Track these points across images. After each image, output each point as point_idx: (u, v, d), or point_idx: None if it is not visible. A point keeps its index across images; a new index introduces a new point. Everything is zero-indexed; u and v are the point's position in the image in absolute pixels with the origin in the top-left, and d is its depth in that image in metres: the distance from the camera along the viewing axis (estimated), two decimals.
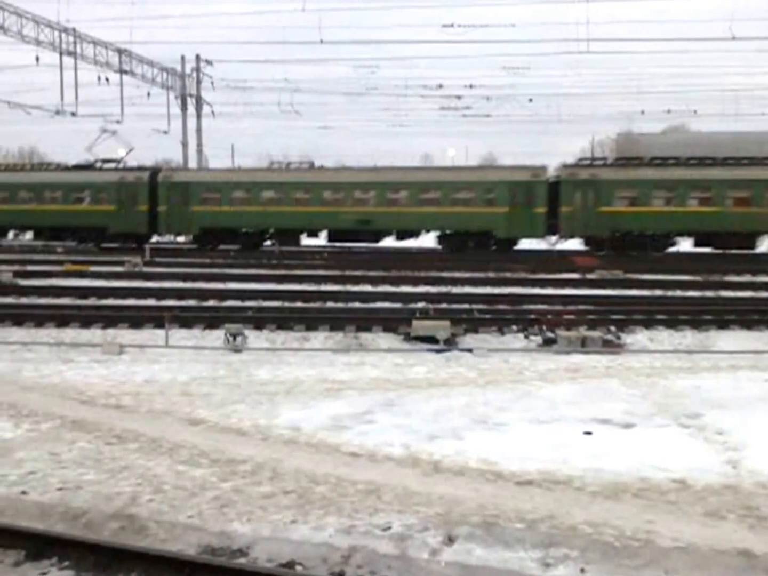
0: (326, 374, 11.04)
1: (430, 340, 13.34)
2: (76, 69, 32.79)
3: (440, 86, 38.52)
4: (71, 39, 32.31)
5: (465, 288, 20.68)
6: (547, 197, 31.01)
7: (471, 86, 38.29)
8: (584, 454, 7.44)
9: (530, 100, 40.55)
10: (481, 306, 16.70)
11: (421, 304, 17.10)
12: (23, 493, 6.39)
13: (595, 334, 13.43)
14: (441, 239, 33.14)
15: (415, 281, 21.86)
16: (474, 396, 9.74)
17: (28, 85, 35.83)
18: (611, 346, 13.27)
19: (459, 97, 38.78)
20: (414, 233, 33.23)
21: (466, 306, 16.86)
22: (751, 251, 30.08)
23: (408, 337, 13.72)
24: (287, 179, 33.64)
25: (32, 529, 5.50)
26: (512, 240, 32.09)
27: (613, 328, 14.19)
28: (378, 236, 33.29)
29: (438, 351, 12.84)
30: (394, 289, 20.32)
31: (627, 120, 45.66)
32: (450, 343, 13.27)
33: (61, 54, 31.90)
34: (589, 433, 8.23)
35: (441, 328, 13.48)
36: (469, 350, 12.90)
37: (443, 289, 20.38)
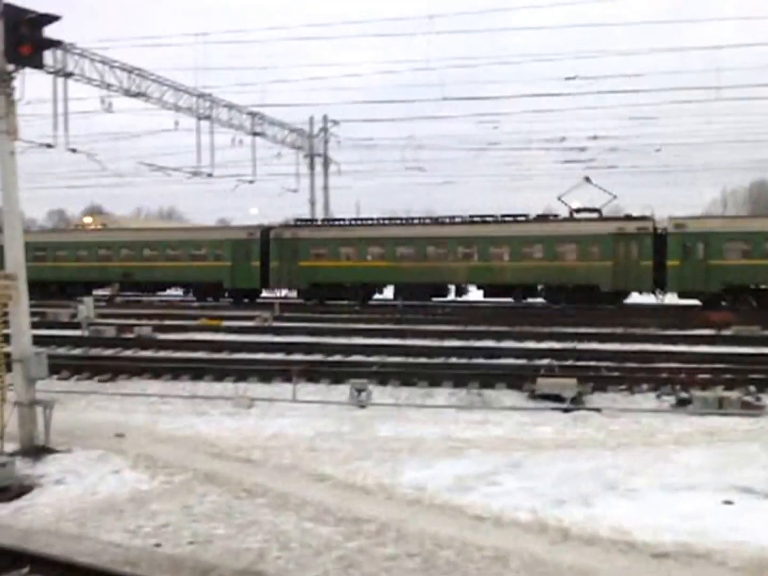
0: (450, 432, 10.91)
1: (556, 398, 12.96)
2: (212, 132, 34.88)
3: (563, 139, 38.24)
4: (207, 104, 34.44)
5: (592, 344, 20.08)
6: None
7: (595, 137, 37.77)
8: (724, 525, 6.94)
9: (658, 149, 39.52)
10: (609, 363, 16.12)
11: (546, 361, 16.71)
12: (157, 545, 6.62)
13: (733, 394, 12.64)
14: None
15: (540, 337, 21.44)
16: (603, 459, 9.33)
17: (168, 149, 38.38)
18: (751, 408, 12.42)
19: (583, 149, 38.30)
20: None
21: (593, 363, 16.32)
22: None
23: (533, 395, 13.40)
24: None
25: None
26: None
27: (752, 389, 13.32)
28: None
29: (564, 410, 12.44)
30: (518, 345, 20.01)
31: (760, 169, 43.51)
32: (577, 402, 12.84)
33: (198, 118, 34.05)
34: (729, 502, 7.68)
35: (567, 386, 13.08)
36: (597, 410, 12.43)
37: (569, 344, 19.86)
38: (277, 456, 9.59)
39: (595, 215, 33.57)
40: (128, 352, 19.53)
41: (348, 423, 11.61)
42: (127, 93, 29.84)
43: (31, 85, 10.58)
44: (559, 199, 34.76)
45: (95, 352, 19.71)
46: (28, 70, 10.33)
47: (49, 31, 10.29)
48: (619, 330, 22.86)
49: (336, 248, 34.57)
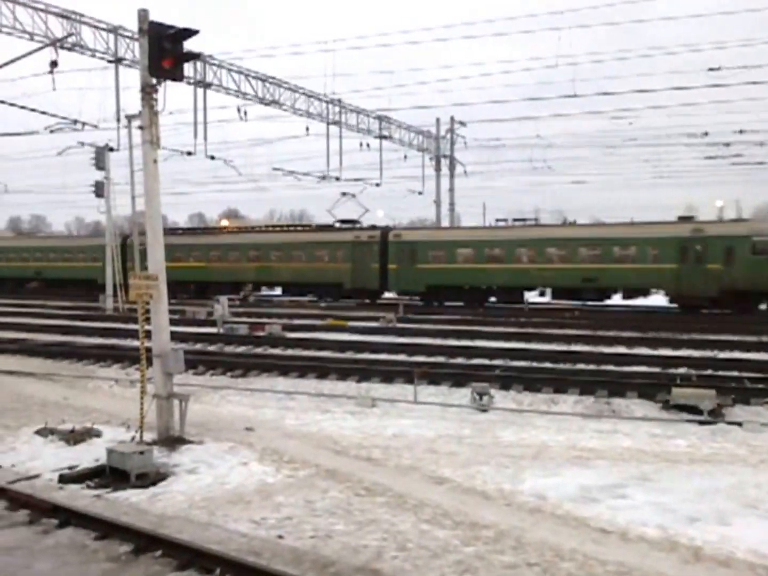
0: (575, 440, 10.60)
1: (692, 410, 12.32)
2: (341, 137, 35.65)
3: (706, 134, 36.28)
4: (337, 110, 35.23)
5: (734, 353, 18.97)
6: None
7: (741, 132, 35.63)
8: None
9: None
10: (752, 374, 15.15)
11: (682, 370, 15.93)
12: (280, 537, 6.81)
13: None
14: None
15: (676, 344, 20.47)
16: (743, 476, 8.77)
17: (299, 154, 39.53)
18: None
19: (727, 145, 36.22)
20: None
21: (734, 373, 15.40)
22: None
23: (666, 406, 12.80)
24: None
25: (287, 573, 5.81)
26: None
27: None
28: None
29: (701, 423, 11.79)
30: (652, 352, 19.19)
31: None
32: (715, 415, 12.14)
33: (328, 124, 34.88)
34: None
35: (705, 398, 12.39)
36: (739, 424, 11.70)
37: (708, 353, 18.85)
38: (397, 456, 9.65)
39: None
40: (259, 350, 20.27)
41: (469, 426, 11.52)
42: (262, 101, 30.97)
43: (172, 96, 11.13)
44: (328, 211, 39.63)
45: (229, 349, 20.59)
46: (169, 82, 10.89)
47: (190, 45, 10.86)
48: (765, 338, 21.46)
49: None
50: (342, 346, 20.09)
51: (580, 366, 16.78)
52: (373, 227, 39.30)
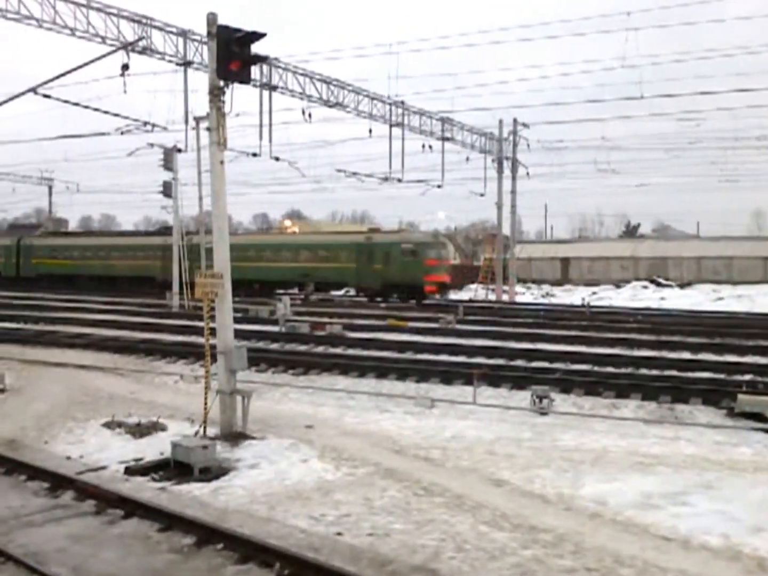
0: (636, 446, 10.44)
1: (758, 417, 11.98)
2: (403, 139, 35.72)
3: None
4: (400, 111, 35.31)
5: None
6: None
7: None
8: None
9: None
10: None
11: (747, 377, 15.48)
12: (338, 534, 6.92)
13: None
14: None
15: (742, 350, 19.90)
16: None
17: (361, 155, 39.79)
18: None
19: None
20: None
21: None
22: None
23: (732, 413, 12.46)
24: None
25: (345, 570, 5.90)
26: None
27: None
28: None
29: (767, 431, 11.46)
30: (717, 358, 18.68)
31: None
32: None
33: (390, 125, 35.00)
34: None
35: None
36: None
37: None
38: (455, 457, 9.67)
39: None
40: (320, 349, 20.50)
41: (528, 430, 11.46)
42: (326, 103, 31.28)
43: (238, 98, 11.37)
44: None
45: (290, 347, 20.89)
46: (236, 85, 11.14)
47: (257, 48, 11.08)
48: None
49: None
50: (402, 346, 20.17)
51: (643, 371, 16.47)
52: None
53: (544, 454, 9.94)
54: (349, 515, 7.42)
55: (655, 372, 16.25)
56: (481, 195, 42.83)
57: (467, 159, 40.52)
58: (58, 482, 8.36)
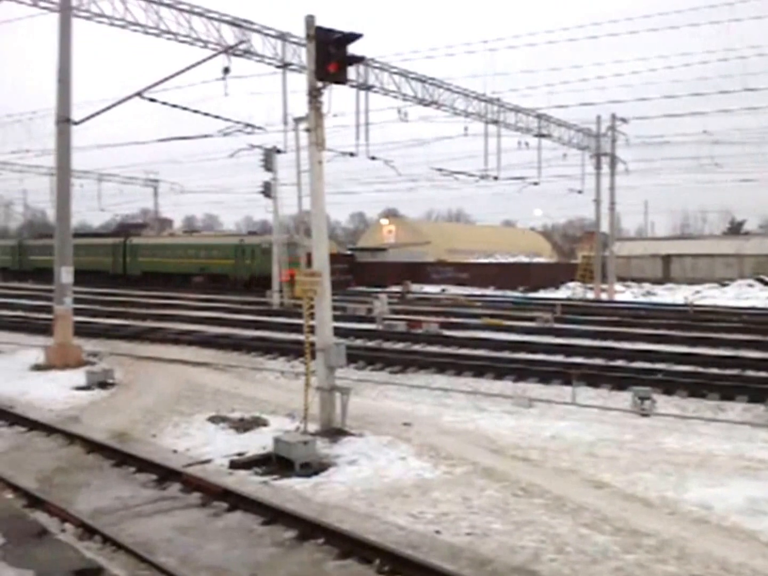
0: (743, 450, 10.01)
1: None
2: (499, 136, 35.38)
3: None
4: (495, 108, 34.98)
5: None
6: None
7: None
8: None
9: None
10: None
11: None
12: (437, 532, 6.96)
13: None
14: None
15: None
16: None
17: (457, 154, 39.60)
18: None
19: None
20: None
21: None
22: None
23: None
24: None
25: (444, 568, 5.93)
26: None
27: None
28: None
29: None
30: None
31: None
32: None
33: (486, 123, 34.73)
34: None
35: None
36: None
37: None
38: (554, 458, 9.55)
39: None
40: (416, 347, 20.60)
41: (629, 431, 11.16)
42: (421, 102, 31.34)
43: (336, 98, 11.56)
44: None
45: (387, 345, 21.08)
46: (334, 86, 11.32)
47: (354, 48, 11.25)
48: None
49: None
50: (498, 345, 20.02)
51: (750, 372, 15.77)
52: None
53: (647, 456, 9.68)
54: (448, 514, 7.45)
55: (762, 373, 15.53)
56: (579, 192, 41.92)
57: (564, 156, 39.75)
58: (165, 474, 8.72)
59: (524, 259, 60.01)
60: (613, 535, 6.86)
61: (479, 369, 16.13)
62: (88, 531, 6.89)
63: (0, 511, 6.99)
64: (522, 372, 15.61)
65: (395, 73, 29.98)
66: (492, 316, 27.88)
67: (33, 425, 11.33)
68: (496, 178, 36.11)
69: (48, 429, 11.04)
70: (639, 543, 6.65)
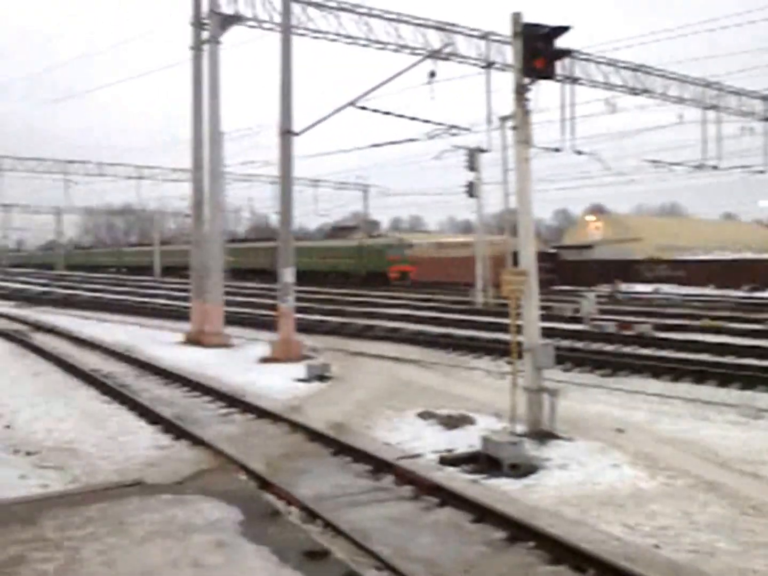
0: None
1: None
2: (718, 122, 32.90)
3: None
4: (714, 93, 32.56)
5: None
6: None
7: None
8: None
9: None
10: None
11: None
12: (655, 546, 6.54)
13: None
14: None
15: None
16: None
17: (670, 143, 37.29)
18: None
19: None
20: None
21: None
22: None
23: None
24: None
25: None
26: None
27: None
28: None
29: None
30: None
31: None
32: None
33: (704, 109, 32.42)
34: None
35: None
36: None
37: None
38: None
39: None
40: (628, 349, 19.64)
41: None
42: (632, 91, 29.93)
43: (541, 93, 11.31)
44: None
45: (596, 346, 20.29)
46: (540, 81, 11.08)
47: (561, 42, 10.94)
48: None
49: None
50: (721, 349, 18.57)
51: None
52: None
53: None
54: (667, 528, 6.98)
55: None
56: None
57: None
58: (379, 466, 8.96)
59: (750, 256, 55.22)
60: None
61: (699, 374, 15.02)
62: (311, 515, 7.25)
63: (238, 490, 7.51)
64: (750, 379, 14.33)
65: (603, 63, 28.86)
66: (713, 317, 25.94)
67: (261, 413, 12.12)
68: (715, 167, 33.60)
69: (274, 417, 11.77)
70: None
